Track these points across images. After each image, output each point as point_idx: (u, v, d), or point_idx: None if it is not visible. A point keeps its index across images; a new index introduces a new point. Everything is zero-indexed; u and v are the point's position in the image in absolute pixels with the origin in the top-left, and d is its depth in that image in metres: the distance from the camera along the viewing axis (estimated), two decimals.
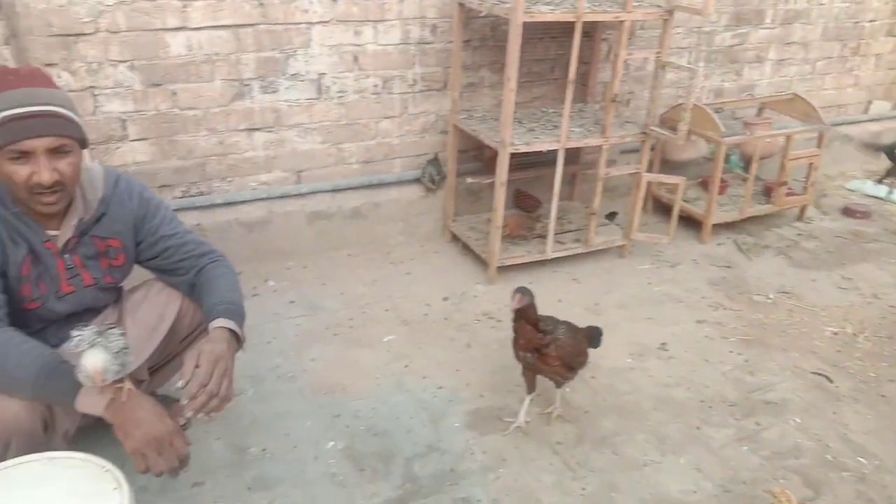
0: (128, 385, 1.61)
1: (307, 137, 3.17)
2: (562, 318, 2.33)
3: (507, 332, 2.79)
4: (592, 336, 2.43)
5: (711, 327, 3.00)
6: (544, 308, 2.28)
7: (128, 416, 1.56)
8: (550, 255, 3.29)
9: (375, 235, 3.48)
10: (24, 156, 1.59)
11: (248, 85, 2.95)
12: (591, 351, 2.38)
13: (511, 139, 2.96)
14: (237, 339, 1.79)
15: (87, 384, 1.55)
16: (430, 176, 3.43)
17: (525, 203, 3.62)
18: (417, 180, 3.47)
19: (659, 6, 3.06)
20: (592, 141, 3.14)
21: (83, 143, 1.71)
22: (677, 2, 2.98)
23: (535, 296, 2.21)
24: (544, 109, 3.48)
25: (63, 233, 1.76)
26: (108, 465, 1.55)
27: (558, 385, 2.35)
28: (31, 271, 1.73)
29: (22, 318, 1.71)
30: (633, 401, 2.54)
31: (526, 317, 2.20)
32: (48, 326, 1.82)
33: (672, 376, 2.68)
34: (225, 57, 2.86)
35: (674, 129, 3.15)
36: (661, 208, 3.93)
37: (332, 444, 2.27)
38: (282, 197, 3.22)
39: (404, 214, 3.51)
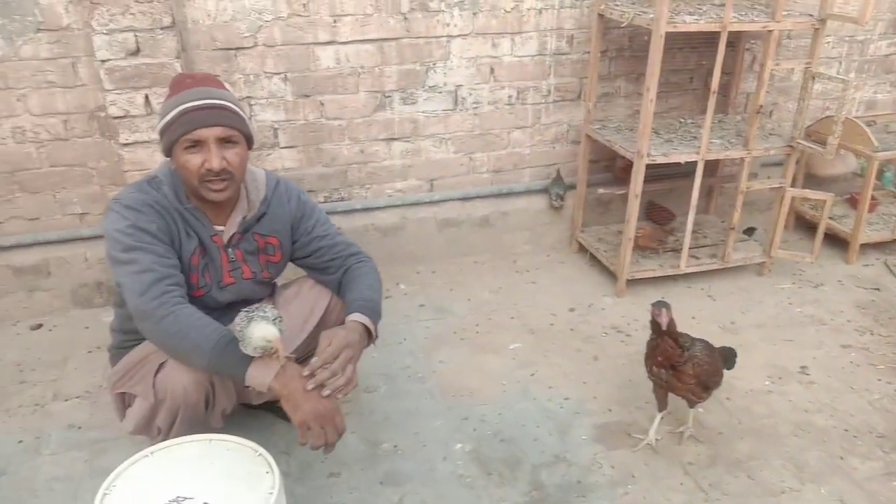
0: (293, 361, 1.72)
1: (441, 147, 3.26)
2: (696, 335, 2.27)
3: (636, 346, 2.76)
4: (727, 356, 2.36)
5: (857, 353, 2.82)
6: (677, 325, 2.23)
7: (297, 389, 1.66)
8: (684, 269, 3.20)
9: (502, 243, 3.52)
10: (197, 145, 1.76)
11: (389, 96, 3.07)
12: (725, 372, 2.31)
13: (648, 150, 2.92)
14: (369, 335, 1.89)
15: (256, 354, 1.66)
16: (557, 194, 3.43)
17: (658, 215, 3.55)
18: (545, 190, 3.48)
19: (810, 15, 2.92)
20: (734, 153, 3.04)
21: (249, 141, 1.86)
22: (830, 10, 2.85)
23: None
24: (682, 120, 3.40)
25: (228, 228, 1.92)
26: (260, 449, 1.65)
27: (691, 405, 2.29)
28: (199, 262, 1.89)
29: None
30: (770, 425, 2.43)
31: (668, 332, 2.14)
32: (209, 314, 1.95)
33: (813, 402, 2.54)
34: (369, 69, 2.99)
35: (822, 142, 3.00)
36: (803, 225, 3.74)
37: (459, 445, 2.32)
38: (415, 204, 3.32)
39: (531, 224, 3.53)
